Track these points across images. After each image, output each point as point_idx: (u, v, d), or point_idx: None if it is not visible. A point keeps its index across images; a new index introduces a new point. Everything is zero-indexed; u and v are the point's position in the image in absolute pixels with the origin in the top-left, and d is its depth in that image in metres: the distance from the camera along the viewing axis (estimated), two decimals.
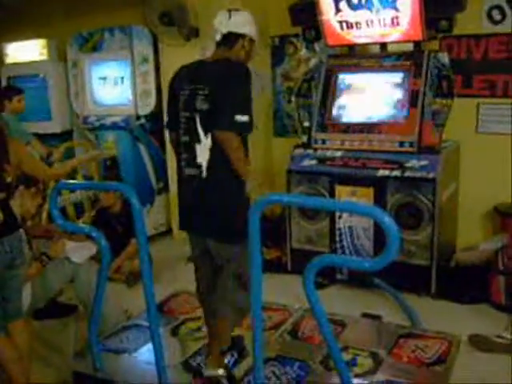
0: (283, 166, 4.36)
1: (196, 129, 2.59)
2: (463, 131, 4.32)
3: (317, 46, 4.80)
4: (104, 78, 5.86)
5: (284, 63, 5.15)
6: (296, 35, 4.86)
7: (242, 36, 2.68)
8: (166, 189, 5.77)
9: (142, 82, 5.50)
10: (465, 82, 4.32)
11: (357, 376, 2.81)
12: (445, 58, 3.98)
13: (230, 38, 2.67)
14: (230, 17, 2.64)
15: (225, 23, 2.65)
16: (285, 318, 3.53)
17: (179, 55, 5.15)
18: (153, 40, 5.38)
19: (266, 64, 5.23)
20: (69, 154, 6.05)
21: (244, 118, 2.49)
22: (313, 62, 4.59)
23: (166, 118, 2.89)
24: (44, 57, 6.20)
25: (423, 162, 3.76)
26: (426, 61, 3.91)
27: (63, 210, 5.27)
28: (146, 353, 3.10)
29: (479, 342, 3.22)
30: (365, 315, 3.62)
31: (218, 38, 2.68)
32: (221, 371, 2.76)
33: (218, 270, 2.78)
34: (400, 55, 4.07)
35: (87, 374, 2.98)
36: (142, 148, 5.66)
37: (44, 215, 4.75)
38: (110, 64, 5.80)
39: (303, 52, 4.97)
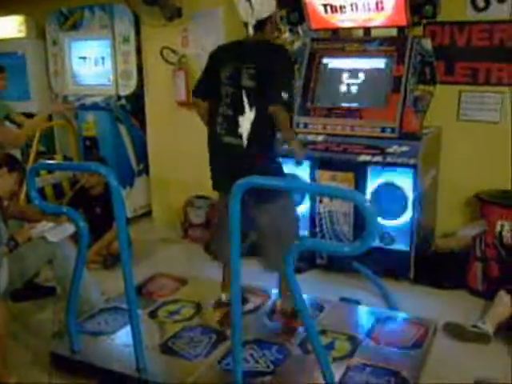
0: None
1: (242, 103, 2.91)
2: (445, 118, 4.33)
3: (300, 30, 4.76)
4: (84, 57, 5.77)
5: None
6: (280, 18, 4.81)
7: (268, 17, 2.98)
8: (146, 170, 5.72)
9: (123, 62, 5.42)
10: (447, 69, 4.32)
11: (335, 359, 2.83)
12: (428, 44, 3.99)
13: (260, 24, 2.96)
14: (253, 9, 2.90)
15: (251, 16, 2.92)
16: (263, 302, 3.54)
17: (161, 36, 5.10)
18: (134, 20, 5.29)
19: None
20: (48, 134, 6.00)
21: (285, 96, 2.84)
22: (296, 45, 4.56)
23: (196, 88, 3.22)
24: (22, 34, 6.06)
25: (404, 148, 3.76)
26: (409, 47, 3.89)
27: (42, 191, 5.20)
28: (124, 335, 3.09)
29: (454, 331, 3.25)
30: (343, 299, 3.65)
31: (251, 29, 2.94)
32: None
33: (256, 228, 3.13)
34: (384, 40, 4.05)
35: (65, 356, 2.97)
36: (123, 129, 5.59)
37: (22, 196, 4.69)
38: (90, 43, 5.71)
39: (286, 35, 4.92)
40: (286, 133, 3.02)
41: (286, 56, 3.05)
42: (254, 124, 2.91)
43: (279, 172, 3.08)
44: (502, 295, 3.28)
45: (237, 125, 2.94)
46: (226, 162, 3.06)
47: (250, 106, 2.90)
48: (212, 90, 3.06)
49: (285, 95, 2.84)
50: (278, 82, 2.86)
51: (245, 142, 2.93)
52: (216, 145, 3.10)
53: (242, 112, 2.92)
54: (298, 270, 3.77)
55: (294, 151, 3.03)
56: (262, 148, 2.98)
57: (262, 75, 2.88)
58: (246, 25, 2.97)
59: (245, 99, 2.91)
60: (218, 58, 3.10)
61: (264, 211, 3.00)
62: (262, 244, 3.17)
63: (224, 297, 3.35)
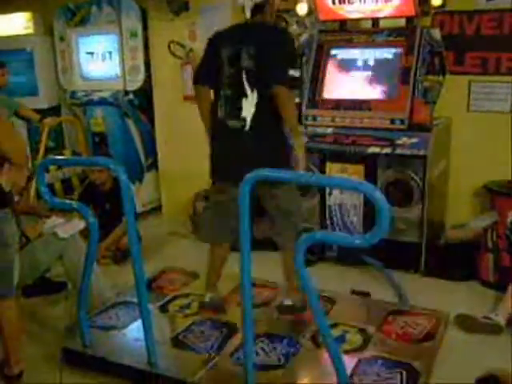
0: None
1: (242, 84, 2.83)
2: (454, 109, 4.30)
3: (308, 22, 4.74)
4: (92, 53, 5.78)
5: None
6: (287, 10, 4.79)
7: (265, 2, 2.93)
8: (155, 165, 5.72)
9: (131, 57, 5.42)
10: (457, 59, 4.28)
11: (346, 352, 2.82)
12: (437, 34, 3.94)
13: (258, 8, 2.91)
14: None
15: None
16: (274, 295, 3.53)
17: (168, 30, 5.09)
18: (142, 14, 5.28)
19: None
20: (57, 129, 6.01)
21: (296, 74, 2.90)
22: (304, 37, 4.54)
23: (197, 74, 3.09)
24: (30, 30, 6.06)
25: (414, 140, 3.74)
26: (418, 37, 3.86)
27: (51, 187, 5.22)
28: (135, 329, 3.10)
29: (465, 323, 3.24)
30: (354, 292, 3.63)
31: (249, 12, 2.90)
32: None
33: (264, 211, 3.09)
34: (392, 31, 4.02)
35: (76, 351, 2.98)
36: (131, 124, 5.59)
37: (32, 192, 4.70)
38: (97, 38, 5.71)
39: (294, 27, 4.90)
40: (290, 118, 2.88)
41: (288, 37, 2.97)
42: (258, 107, 2.82)
43: (285, 159, 2.99)
44: None
45: (239, 108, 2.85)
46: (231, 147, 2.95)
47: (252, 88, 2.81)
48: (213, 74, 2.95)
49: (288, 74, 2.77)
50: (281, 60, 2.79)
51: (248, 125, 2.85)
52: (219, 130, 3.00)
53: (244, 94, 2.83)
54: (309, 263, 3.77)
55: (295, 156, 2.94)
56: (268, 132, 2.88)
57: (262, 55, 2.79)
58: (243, 9, 2.91)
59: (244, 81, 2.82)
60: (218, 40, 2.99)
61: (272, 195, 2.98)
62: (275, 224, 3.14)
63: (208, 297, 3.28)
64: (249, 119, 2.83)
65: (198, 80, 3.07)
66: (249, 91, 2.81)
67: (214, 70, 2.94)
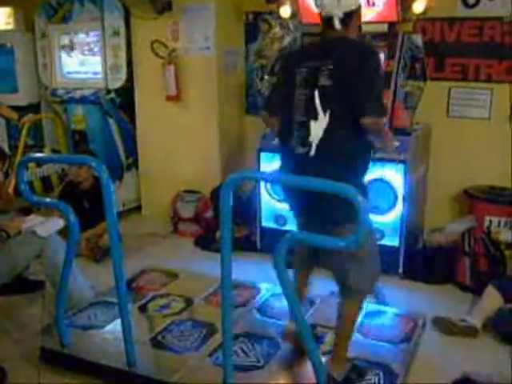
0: (255, 144, 4.34)
1: (314, 105, 2.47)
2: (434, 114, 4.36)
3: (291, 24, 4.76)
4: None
5: (258, 40, 5.10)
6: (270, 13, 4.81)
7: (355, 11, 2.56)
8: (135, 165, 5.70)
9: (113, 56, 5.38)
10: (437, 65, 4.34)
11: (325, 353, 2.84)
12: (419, 40, 4.00)
13: (345, 18, 2.51)
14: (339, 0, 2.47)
15: (337, 7, 2.47)
16: (254, 295, 3.54)
17: (151, 29, 5.07)
18: (124, 12, 5.25)
19: (239, 41, 5.17)
20: (36, 127, 5.96)
21: (383, 103, 2.50)
22: (287, 40, 4.56)
23: (268, 102, 2.78)
24: (10, 26, 5.99)
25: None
26: (399, 42, 3.90)
27: (30, 185, 5.17)
28: (113, 329, 3.08)
29: (442, 325, 3.28)
30: (333, 293, 3.65)
31: (338, 23, 2.49)
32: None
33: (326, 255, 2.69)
34: (374, 36, 4.05)
35: (54, 350, 2.95)
36: (112, 123, 5.55)
37: (10, 189, 4.65)
38: (79, 36, 5.66)
39: (277, 30, 4.92)
40: (387, 146, 2.80)
41: (376, 58, 2.50)
42: (327, 131, 2.44)
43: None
44: (490, 290, 3.31)
45: (308, 132, 2.48)
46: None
47: (324, 108, 2.44)
48: (284, 101, 2.62)
49: (382, 102, 2.45)
50: (374, 85, 2.41)
51: (312, 151, 2.47)
52: (287, 157, 2.65)
53: (315, 116, 2.46)
54: (288, 264, 3.78)
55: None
56: (334, 159, 2.46)
57: (342, 73, 2.42)
58: (328, 20, 2.50)
59: (317, 101, 2.45)
60: (291, 61, 2.69)
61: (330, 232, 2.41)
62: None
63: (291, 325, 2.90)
64: (314, 144, 2.46)
65: (269, 111, 2.74)
66: (320, 112, 2.45)
67: (285, 97, 2.61)
